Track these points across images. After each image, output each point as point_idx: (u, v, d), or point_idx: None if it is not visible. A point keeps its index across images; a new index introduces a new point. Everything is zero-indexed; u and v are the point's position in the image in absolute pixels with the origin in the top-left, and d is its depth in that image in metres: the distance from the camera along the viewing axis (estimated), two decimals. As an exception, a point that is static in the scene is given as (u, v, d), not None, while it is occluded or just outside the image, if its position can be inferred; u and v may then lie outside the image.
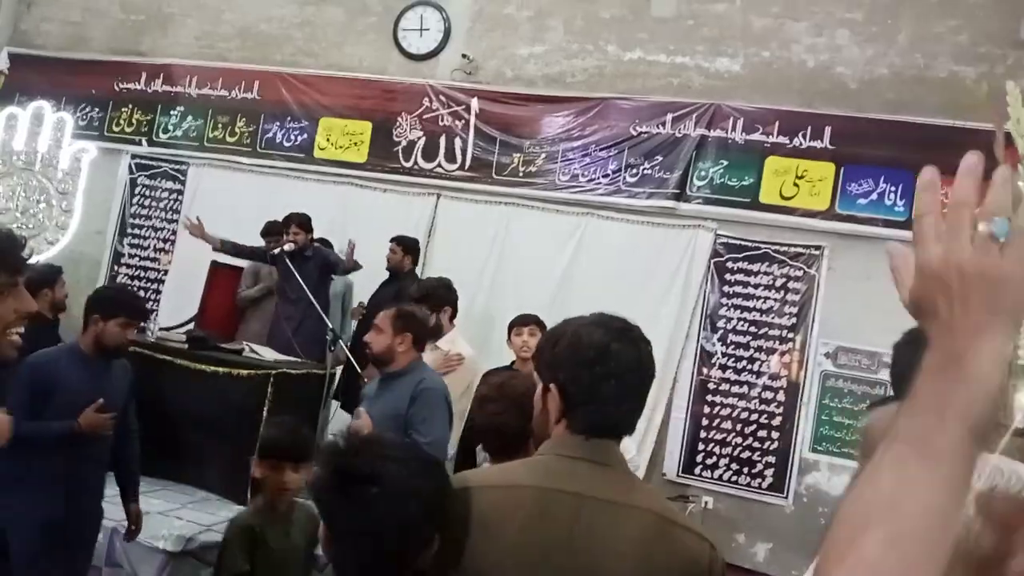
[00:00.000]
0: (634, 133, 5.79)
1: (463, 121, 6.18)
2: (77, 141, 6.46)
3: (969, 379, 0.56)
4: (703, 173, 5.66)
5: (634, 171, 5.78)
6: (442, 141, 6.23)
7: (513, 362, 4.03)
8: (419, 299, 3.63)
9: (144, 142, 7.00)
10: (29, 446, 2.63)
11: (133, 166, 7.05)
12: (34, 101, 6.49)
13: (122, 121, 7.07)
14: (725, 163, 5.61)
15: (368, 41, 6.52)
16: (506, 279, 5.88)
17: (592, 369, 1.29)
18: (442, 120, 6.23)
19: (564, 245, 5.85)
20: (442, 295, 3.96)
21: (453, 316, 4.10)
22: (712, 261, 5.61)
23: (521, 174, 6.03)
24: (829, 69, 5.51)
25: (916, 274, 0.59)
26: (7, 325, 1.43)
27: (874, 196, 5.28)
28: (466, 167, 6.17)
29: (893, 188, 5.22)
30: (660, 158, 5.72)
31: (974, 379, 0.56)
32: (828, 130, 5.37)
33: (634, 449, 3.36)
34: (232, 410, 4.08)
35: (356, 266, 5.54)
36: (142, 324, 2.97)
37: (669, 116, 5.71)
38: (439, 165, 6.24)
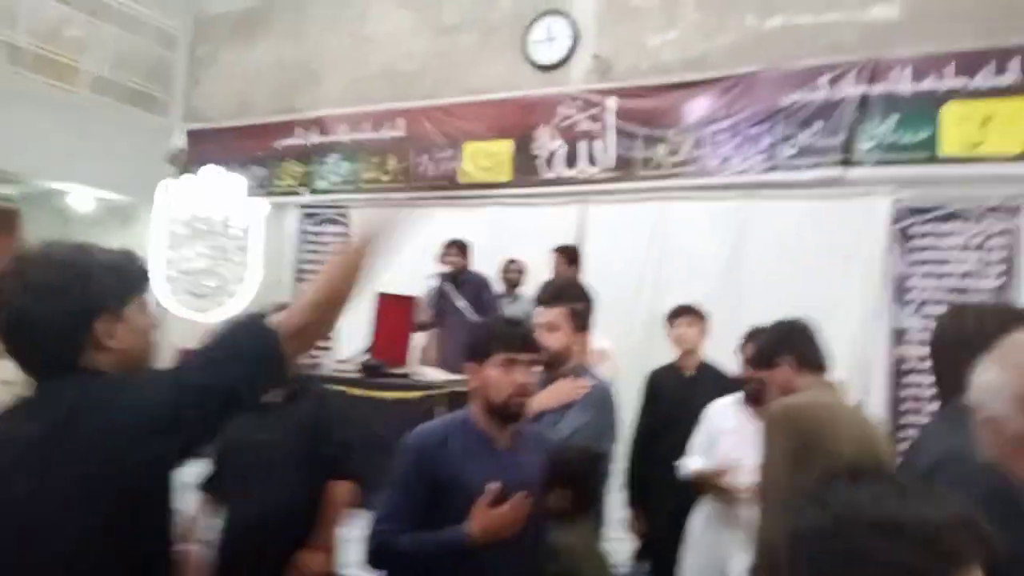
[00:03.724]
0: (786, 104, 5.39)
1: (600, 123, 6.04)
2: (251, 199, 6.96)
3: None
4: (870, 134, 5.16)
5: (791, 143, 5.37)
6: (582, 146, 6.12)
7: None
8: (551, 300, 3.01)
9: (306, 192, 7.43)
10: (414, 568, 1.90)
11: (300, 216, 7.51)
12: (208, 168, 7.06)
13: (284, 175, 7.56)
14: (895, 119, 5.08)
15: (500, 60, 6.57)
16: (668, 275, 5.64)
17: None
18: (579, 125, 6.13)
19: (725, 232, 5.54)
20: (576, 292, 3.74)
21: None
22: (894, 228, 5.09)
23: (669, 165, 5.80)
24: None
25: None
26: None
27: (1082, 128, 4.57)
28: (610, 168, 6.02)
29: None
30: (819, 125, 5.28)
31: None
32: (1015, 61, 4.73)
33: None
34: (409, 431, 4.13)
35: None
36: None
37: (823, 79, 5.28)
38: (581, 171, 6.12)
